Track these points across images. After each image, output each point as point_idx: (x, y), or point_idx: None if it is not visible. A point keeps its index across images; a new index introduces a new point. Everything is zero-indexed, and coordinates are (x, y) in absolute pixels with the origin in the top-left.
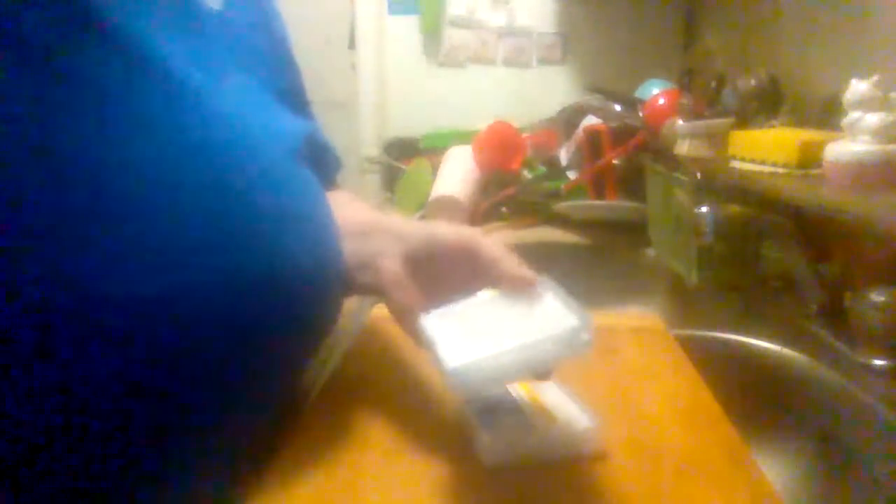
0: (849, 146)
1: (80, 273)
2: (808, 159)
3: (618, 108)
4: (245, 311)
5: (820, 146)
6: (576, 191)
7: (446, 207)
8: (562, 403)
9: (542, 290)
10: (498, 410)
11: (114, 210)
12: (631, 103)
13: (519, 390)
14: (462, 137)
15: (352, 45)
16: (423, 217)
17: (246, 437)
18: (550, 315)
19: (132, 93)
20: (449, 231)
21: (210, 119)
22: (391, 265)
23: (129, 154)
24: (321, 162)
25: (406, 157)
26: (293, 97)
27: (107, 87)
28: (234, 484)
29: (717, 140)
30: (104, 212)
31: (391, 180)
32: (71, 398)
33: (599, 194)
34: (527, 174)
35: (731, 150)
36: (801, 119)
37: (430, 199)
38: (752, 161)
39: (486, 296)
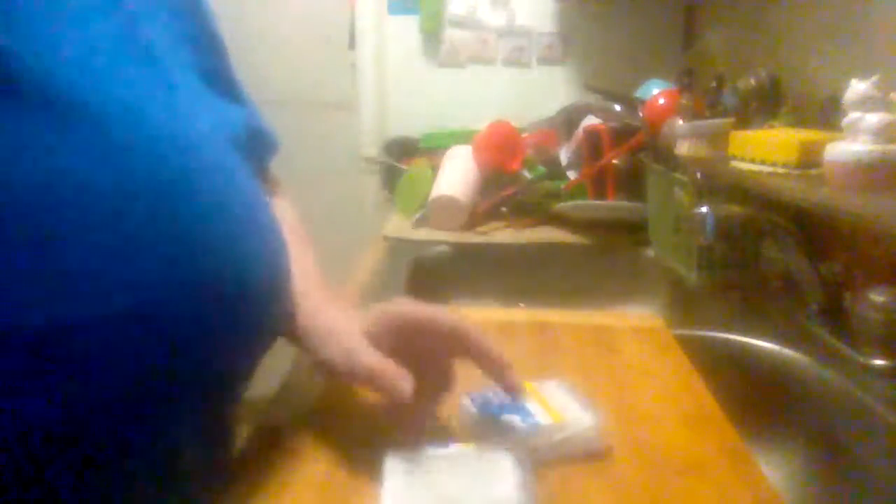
0: (849, 146)
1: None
2: (808, 159)
3: (618, 108)
4: (185, 318)
5: (820, 146)
6: (576, 191)
7: (446, 207)
8: (565, 402)
9: (506, 459)
10: (503, 409)
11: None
12: (631, 103)
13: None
14: (462, 137)
15: (352, 45)
16: (423, 217)
17: (185, 451)
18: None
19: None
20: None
21: (136, 116)
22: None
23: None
24: (259, 148)
25: (406, 157)
26: (224, 78)
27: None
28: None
29: (717, 140)
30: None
31: (391, 180)
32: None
33: (599, 194)
34: (527, 174)
35: (731, 150)
36: (801, 119)
37: (430, 199)
38: (752, 161)
39: (453, 451)
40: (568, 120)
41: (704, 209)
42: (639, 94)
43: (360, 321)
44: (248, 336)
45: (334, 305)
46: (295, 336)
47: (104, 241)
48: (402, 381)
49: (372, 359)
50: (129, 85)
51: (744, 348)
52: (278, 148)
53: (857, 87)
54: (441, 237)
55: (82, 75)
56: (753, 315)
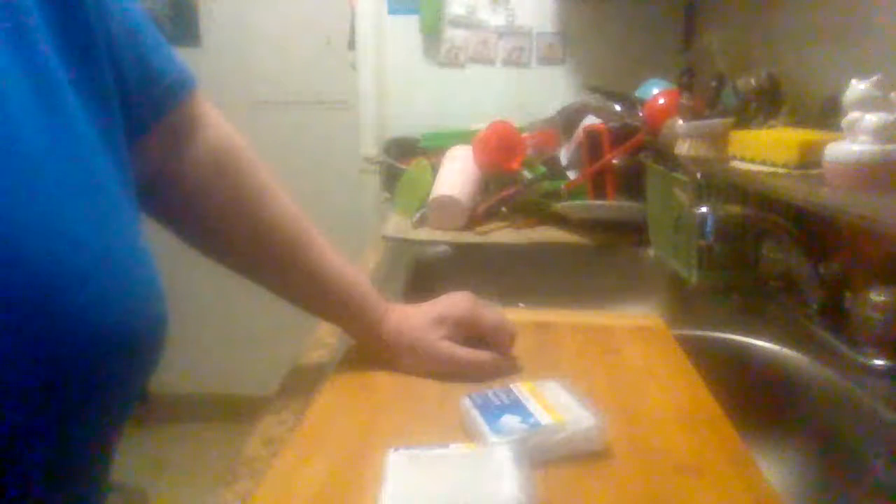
0: (849, 146)
1: None
2: (808, 159)
3: (618, 108)
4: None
5: (820, 146)
6: (576, 191)
7: (446, 207)
8: (566, 402)
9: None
10: (503, 409)
11: None
12: (631, 103)
13: (523, 389)
14: (462, 137)
15: (352, 45)
16: (423, 217)
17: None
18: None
19: None
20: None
21: None
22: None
23: None
24: (158, 96)
25: (406, 157)
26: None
27: None
28: None
29: (717, 140)
30: None
31: (391, 180)
32: None
33: (599, 194)
34: (527, 174)
35: (731, 150)
36: (801, 119)
37: (430, 199)
38: (752, 161)
39: (454, 451)
40: (568, 120)
41: (704, 209)
42: (639, 94)
43: (425, 316)
44: (94, 396)
45: (394, 306)
46: (368, 339)
47: None
48: (493, 368)
49: (462, 352)
50: None
51: (744, 348)
52: (191, 83)
53: (857, 87)
54: (441, 237)
55: None
56: (753, 315)
